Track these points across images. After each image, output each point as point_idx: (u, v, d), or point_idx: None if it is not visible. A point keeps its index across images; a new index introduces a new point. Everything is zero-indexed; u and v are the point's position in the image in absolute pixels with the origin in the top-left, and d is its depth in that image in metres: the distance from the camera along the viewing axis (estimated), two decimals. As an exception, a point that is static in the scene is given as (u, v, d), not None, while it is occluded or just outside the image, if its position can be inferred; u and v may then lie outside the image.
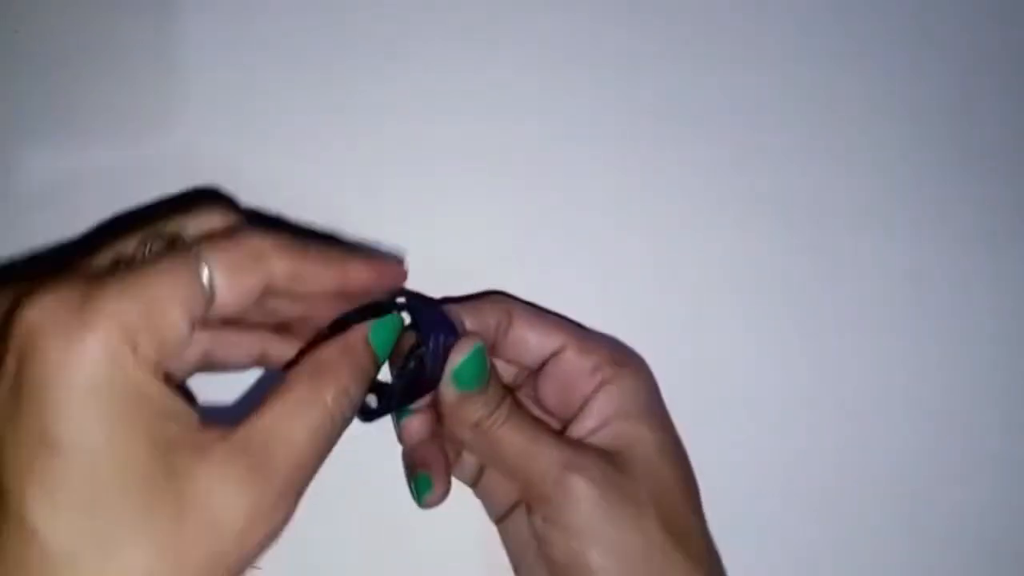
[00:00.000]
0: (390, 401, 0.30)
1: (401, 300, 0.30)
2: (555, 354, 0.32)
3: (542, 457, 0.30)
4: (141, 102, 0.35)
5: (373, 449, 0.35)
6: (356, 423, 0.27)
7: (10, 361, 0.22)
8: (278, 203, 0.35)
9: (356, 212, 0.35)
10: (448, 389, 0.30)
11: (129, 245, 0.26)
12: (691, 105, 0.37)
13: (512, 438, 0.30)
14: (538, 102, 0.36)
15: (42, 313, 0.22)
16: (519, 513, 0.32)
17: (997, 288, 0.37)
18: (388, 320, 0.28)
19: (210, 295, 0.24)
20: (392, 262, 0.30)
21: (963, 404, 0.37)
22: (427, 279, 0.33)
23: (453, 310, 0.31)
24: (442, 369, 0.30)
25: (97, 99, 0.35)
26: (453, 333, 0.30)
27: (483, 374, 0.30)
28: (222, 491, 0.23)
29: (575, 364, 0.32)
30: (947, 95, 0.38)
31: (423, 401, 0.31)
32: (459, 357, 0.30)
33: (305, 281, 0.26)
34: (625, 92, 0.37)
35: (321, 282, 0.26)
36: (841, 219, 0.37)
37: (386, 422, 0.32)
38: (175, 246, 0.25)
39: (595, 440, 0.31)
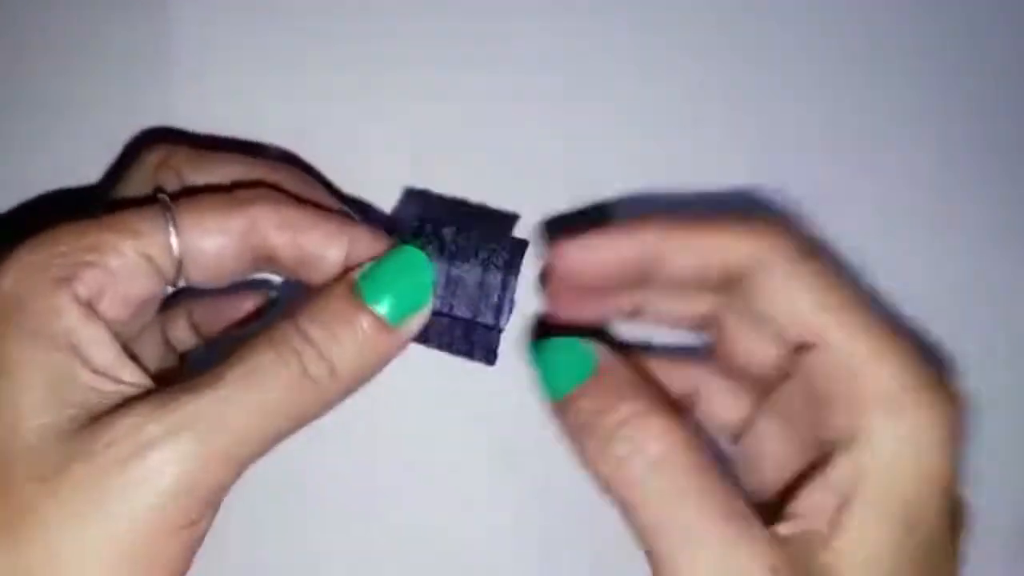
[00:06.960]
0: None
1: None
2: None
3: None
4: (132, 97, 0.34)
5: (371, 450, 0.34)
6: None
7: None
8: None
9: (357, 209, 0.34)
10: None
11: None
12: (697, 101, 0.36)
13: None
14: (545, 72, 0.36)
15: None
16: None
17: (998, 288, 0.37)
18: (391, 260, 0.24)
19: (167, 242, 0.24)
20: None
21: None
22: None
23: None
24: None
25: (87, 95, 0.34)
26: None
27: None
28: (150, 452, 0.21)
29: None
30: (952, 95, 0.37)
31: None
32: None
33: (300, 233, 0.24)
34: (627, 82, 0.36)
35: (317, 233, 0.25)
36: (843, 221, 0.36)
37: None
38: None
39: None
